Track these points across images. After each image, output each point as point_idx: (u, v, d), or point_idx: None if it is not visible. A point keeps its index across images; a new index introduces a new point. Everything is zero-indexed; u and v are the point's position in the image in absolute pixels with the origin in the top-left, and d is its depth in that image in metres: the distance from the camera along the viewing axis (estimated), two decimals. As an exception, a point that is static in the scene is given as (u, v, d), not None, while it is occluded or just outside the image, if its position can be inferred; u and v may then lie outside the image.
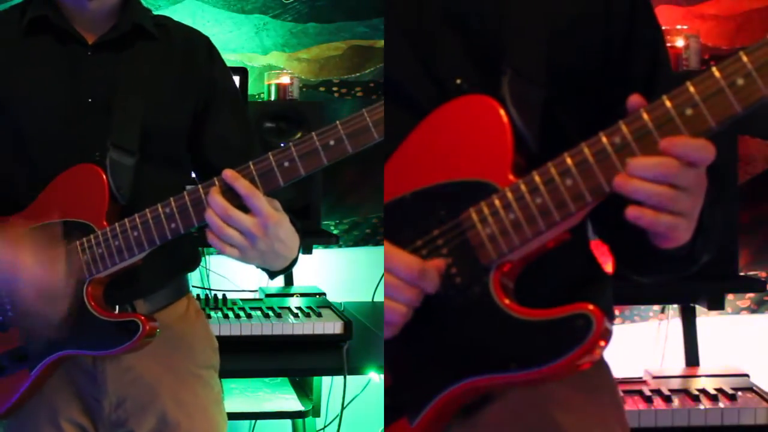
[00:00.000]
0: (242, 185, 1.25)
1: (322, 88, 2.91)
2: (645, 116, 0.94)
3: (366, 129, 1.22)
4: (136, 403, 1.50)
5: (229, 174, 1.26)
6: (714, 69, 0.91)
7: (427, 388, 1.03)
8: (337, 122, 1.23)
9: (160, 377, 1.52)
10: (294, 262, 1.43)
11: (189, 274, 1.65)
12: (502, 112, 1.03)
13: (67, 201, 1.41)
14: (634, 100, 0.95)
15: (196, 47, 1.58)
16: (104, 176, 1.40)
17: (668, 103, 0.93)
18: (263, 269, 1.45)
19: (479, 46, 1.12)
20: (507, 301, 1.00)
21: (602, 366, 1.24)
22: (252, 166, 1.26)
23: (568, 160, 0.97)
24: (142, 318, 1.37)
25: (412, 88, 1.13)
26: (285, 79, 2.71)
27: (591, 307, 0.96)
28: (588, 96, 1.15)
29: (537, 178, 0.99)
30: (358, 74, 2.92)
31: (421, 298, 1.02)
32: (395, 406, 1.04)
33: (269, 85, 2.71)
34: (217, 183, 1.28)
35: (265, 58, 2.87)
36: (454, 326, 1.02)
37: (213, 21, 2.71)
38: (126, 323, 1.38)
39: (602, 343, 0.96)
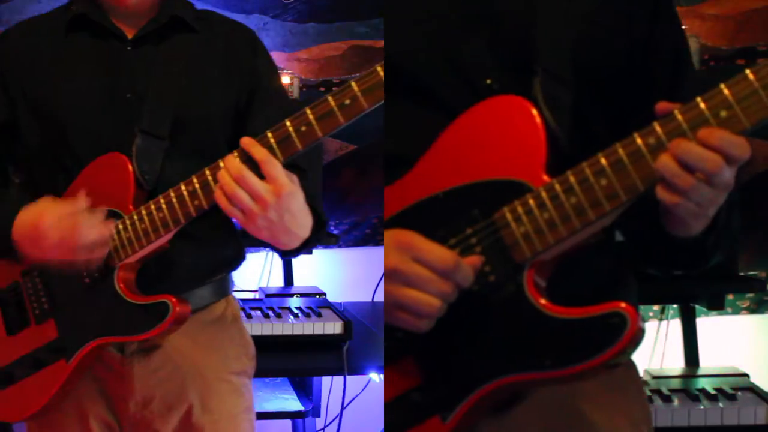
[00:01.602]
0: (259, 151, 1.24)
1: (322, 88, 2.91)
2: (679, 117, 0.95)
3: (380, 84, 1.20)
4: (163, 404, 1.49)
5: (246, 141, 1.25)
6: (748, 71, 0.93)
7: (461, 386, 1.03)
8: (351, 81, 1.21)
9: (189, 380, 1.50)
10: (305, 245, 1.39)
11: (230, 275, 1.62)
12: (534, 112, 1.05)
13: (95, 190, 1.41)
14: (662, 106, 0.97)
15: (240, 41, 1.57)
16: (129, 163, 1.40)
17: (702, 105, 0.94)
18: (272, 248, 1.42)
19: (508, 46, 1.13)
20: (542, 301, 1.01)
21: (630, 364, 1.26)
22: (269, 134, 1.25)
23: (603, 160, 0.99)
24: (173, 299, 1.36)
25: (439, 89, 1.13)
26: (285, 79, 2.71)
27: (624, 305, 0.97)
28: (613, 93, 1.16)
29: (572, 178, 1.00)
30: (358, 74, 2.92)
31: (456, 293, 1.02)
32: (427, 404, 1.05)
33: (269, 85, 2.70)
34: (235, 153, 1.27)
35: (265, 58, 2.87)
36: (488, 324, 1.03)
37: (213, 21, 2.71)
38: (156, 305, 1.36)
39: (635, 342, 0.97)
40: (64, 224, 1.34)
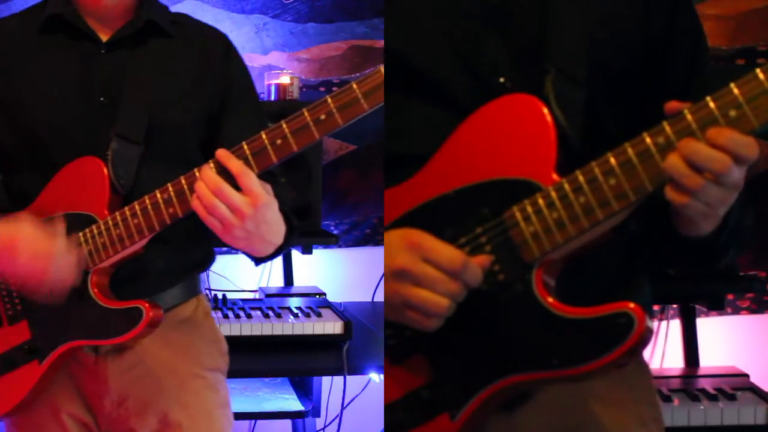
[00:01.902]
0: (234, 164, 1.26)
1: (322, 88, 2.91)
2: (689, 117, 0.96)
3: (356, 101, 1.22)
4: (138, 402, 1.50)
5: (222, 153, 1.27)
6: (758, 71, 0.93)
7: (470, 384, 1.04)
8: (327, 96, 1.23)
9: (164, 377, 1.51)
10: (278, 251, 1.42)
11: (201, 275, 1.63)
12: (545, 111, 1.05)
13: (69, 194, 1.42)
14: (671, 106, 0.97)
15: (213, 46, 1.57)
16: (104, 167, 1.41)
17: (712, 104, 0.95)
18: (246, 255, 1.44)
19: (521, 45, 1.13)
20: (550, 300, 1.02)
21: (640, 364, 1.26)
22: (245, 146, 1.27)
23: (612, 160, 0.99)
24: (146, 305, 1.38)
25: (451, 87, 1.13)
26: (285, 79, 2.71)
27: (632, 305, 0.98)
28: (628, 92, 1.16)
29: (581, 177, 1.00)
30: (358, 74, 2.92)
31: (465, 293, 1.02)
32: (436, 402, 1.05)
33: (269, 85, 2.71)
34: (211, 163, 1.28)
35: (265, 58, 2.87)
36: (497, 323, 1.04)
37: (213, 21, 2.70)
38: (129, 310, 1.38)
39: (643, 342, 0.97)
40: (37, 246, 1.35)
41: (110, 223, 1.38)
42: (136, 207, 1.36)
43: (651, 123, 0.98)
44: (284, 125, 1.25)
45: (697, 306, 2.50)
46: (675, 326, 2.64)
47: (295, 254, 2.72)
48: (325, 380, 2.57)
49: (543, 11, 1.13)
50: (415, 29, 1.16)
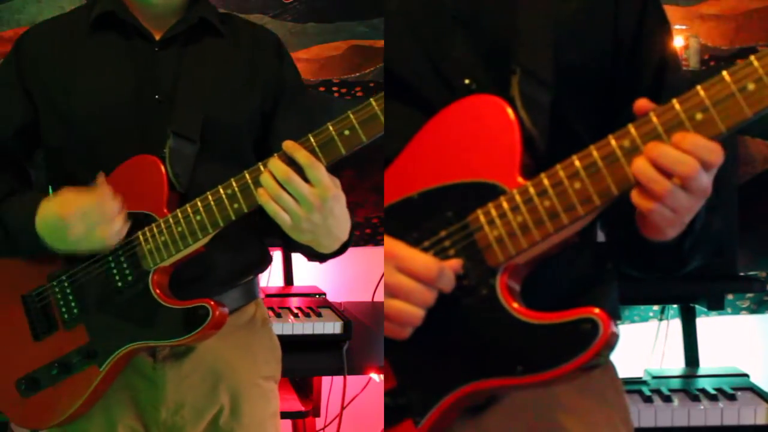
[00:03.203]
0: (303, 155, 1.23)
1: (322, 88, 2.91)
2: (654, 119, 0.94)
3: None
4: (194, 409, 1.48)
5: (290, 144, 1.24)
6: (724, 73, 0.91)
7: (433, 390, 1.02)
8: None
9: (220, 383, 1.49)
10: (343, 248, 1.39)
11: (257, 278, 1.60)
12: (510, 112, 1.03)
13: (127, 193, 1.39)
14: (640, 104, 0.95)
15: (264, 45, 1.56)
16: (162, 165, 1.39)
17: (678, 107, 0.93)
18: (308, 253, 1.42)
19: (488, 45, 1.12)
20: (515, 305, 1.00)
21: (607, 367, 1.24)
22: (312, 138, 1.24)
23: (577, 163, 0.97)
24: (212, 303, 1.34)
25: (421, 88, 1.12)
26: (285, 79, 2.70)
27: (597, 311, 0.96)
28: (597, 94, 1.15)
29: (545, 181, 0.99)
30: (358, 74, 2.92)
31: (435, 299, 1.01)
32: (400, 407, 1.04)
33: (269, 85, 2.70)
34: (277, 155, 1.26)
35: (265, 58, 2.87)
36: (461, 328, 1.02)
37: (213, 21, 2.71)
38: (195, 309, 1.35)
39: (608, 347, 0.96)
40: (88, 218, 1.33)
41: (171, 221, 1.36)
42: (198, 203, 1.33)
43: (620, 125, 0.96)
44: (351, 115, 1.22)
45: (697, 306, 2.50)
46: (675, 326, 2.64)
47: (296, 254, 2.71)
48: (325, 380, 2.57)
49: (510, 12, 1.11)
50: (393, 31, 1.15)
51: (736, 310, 2.86)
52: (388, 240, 1.04)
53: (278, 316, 2.29)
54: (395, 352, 1.05)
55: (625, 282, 1.24)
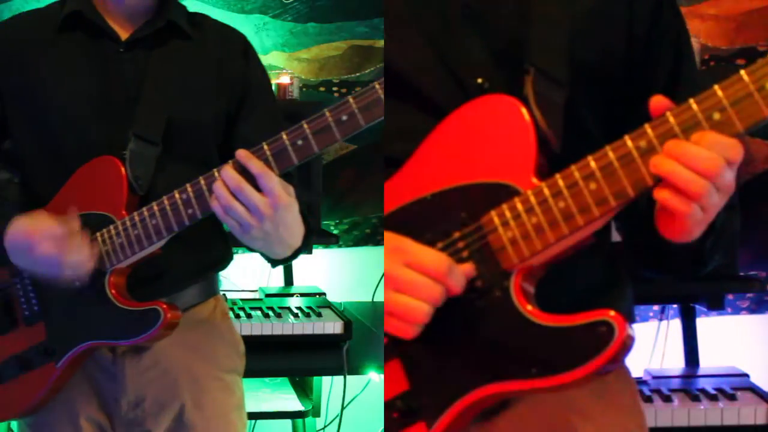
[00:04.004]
0: (255, 164, 1.24)
1: (322, 88, 2.91)
2: (671, 120, 0.93)
3: (378, 101, 1.20)
4: (155, 403, 1.49)
5: (242, 154, 1.25)
6: (742, 72, 0.90)
7: (446, 393, 1.01)
8: (349, 97, 1.22)
9: (181, 378, 1.51)
10: (296, 253, 1.42)
11: (218, 274, 1.62)
12: (524, 112, 1.02)
13: (87, 193, 1.41)
14: (656, 101, 0.94)
15: (232, 46, 1.56)
16: (122, 167, 1.40)
17: (695, 107, 0.92)
18: (263, 256, 1.44)
19: (501, 45, 1.11)
20: (529, 307, 0.99)
21: (622, 370, 1.24)
22: (266, 147, 1.26)
23: (592, 164, 0.96)
24: (164, 306, 1.36)
25: (429, 87, 1.12)
26: (285, 79, 2.71)
27: (613, 313, 0.95)
28: (611, 93, 1.14)
29: (560, 182, 0.97)
30: (358, 74, 2.92)
31: (444, 299, 1.00)
32: (413, 410, 1.03)
33: (269, 85, 2.70)
34: (230, 163, 1.27)
35: (265, 58, 2.87)
36: (475, 331, 1.01)
37: (213, 21, 2.71)
38: (147, 311, 1.37)
39: (624, 350, 0.95)
40: (51, 242, 1.34)
41: (128, 223, 1.37)
42: (155, 207, 1.35)
43: (634, 124, 0.95)
44: (305, 126, 1.24)
45: (697, 306, 2.50)
46: (675, 326, 2.64)
47: (295, 254, 2.71)
48: (325, 380, 2.57)
49: (524, 10, 1.10)
50: (395, 29, 1.14)
51: (736, 310, 2.86)
52: (392, 236, 1.03)
53: (278, 316, 2.29)
54: (409, 354, 1.04)
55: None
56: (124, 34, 1.49)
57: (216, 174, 1.29)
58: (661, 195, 0.93)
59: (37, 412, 1.47)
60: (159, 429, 1.50)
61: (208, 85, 1.51)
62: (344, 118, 1.22)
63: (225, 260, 1.61)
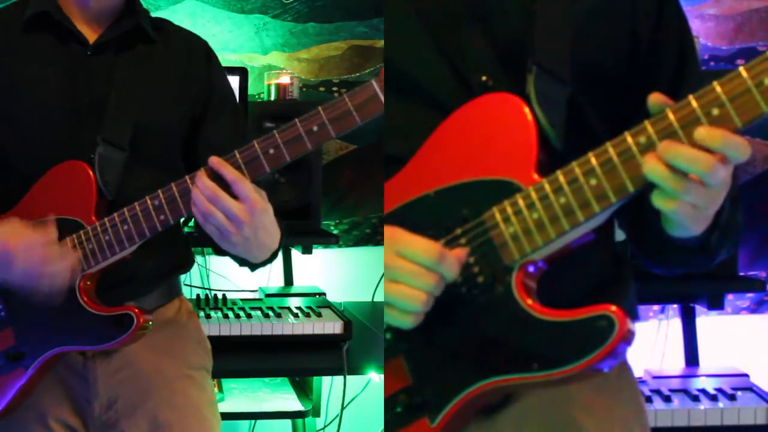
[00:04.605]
0: (229, 171, 1.26)
1: (322, 88, 2.91)
2: (671, 116, 0.93)
3: (348, 113, 1.23)
4: (127, 405, 1.50)
5: (215, 161, 1.27)
6: (741, 69, 0.91)
7: (448, 388, 1.03)
8: (319, 108, 1.25)
9: (152, 378, 1.52)
10: (273, 256, 1.43)
11: (181, 276, 1.65)
12: (526, 110, 1.03)
13: (55, 198, 1.41)
14: (654, 98, 0.95)
15: (194, 51, 1.58)
16: (91, 172, 1.40)
17: (694, 103, 0.92)
18: (242, 261, 1.45)
19: (505, 43, 1.12)
20: (529, 301, 1.00)
21: (623, 368, 1.24)
22: (237, 155, 1.28)
23: (593, 160, 0.97)
24: (136, 311, 1.38)
25: (433, 85, 1.12)
26: (285, 79, 2.71)
27: (614, 308, 0.96)
28: (614, 91, 1.15)
29: (561, 178, 0.99)
30: (358, 74, 2.92)
31: (442, 286, 1.01)
32: (415, 405, 1.04)
33: (269, 85, 2.70)
34: (203, 170, 1.29)
35: (264, 58, 2.87)
36: (477, 325, 1.02)
37: (213, 21, 2.71)
38: (120, 317, 1.38)
39: (624, 345, 0.96)
40: (33, 253, 1.34)
41: (99, 229, 1.38)
42: (126, 213, 1.36)
43: (637, 120, 0.96)
44: (276, 135, 1.26)
45: (697, 306, 2.50)
46: (675, 326, 2.64)
47: (295, 254, 2.71)
48: (325, 380, 2.56)
49: (527, 8, 1.11)
50: (398, 28, 1.15)
51: (736, 310, 2.86)
52: (388, 228, 1.04)
53: (278, 316, 2.29)
54: (411, 349, 1.05)
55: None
56: (91, 36, 1.49)
57: (188, 181, 1.30)
58: (652, 194, 0.94)
59: (5, 416, 1.46)
60: (134, 430, 1.50)
61: (174, 89, 1.52)
62: (315, 128, 1.24)
63: (187, 263, 1.63)
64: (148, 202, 1.34)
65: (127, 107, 1.46)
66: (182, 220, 1.41)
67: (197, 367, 1.59)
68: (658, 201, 0.94)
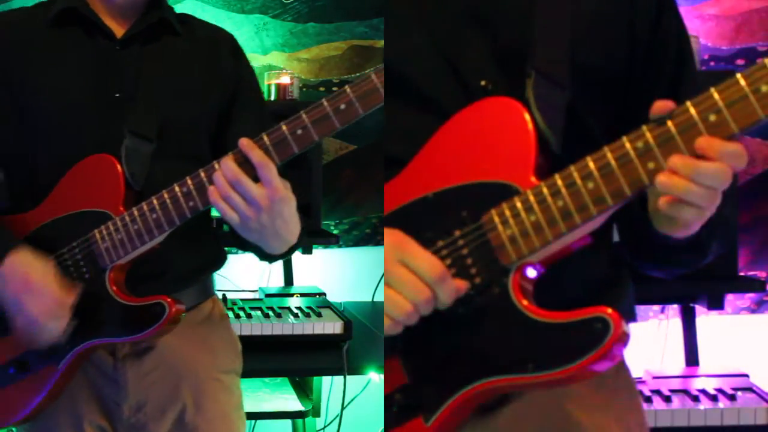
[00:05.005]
0: (256, 155, 1.26)
1: (322, 88, 2.91)
2: (668, 122, 0.95)
3: (375, 90, 1.23)
4: (156, 407, 1.49)
5: (245, 143, 1.27)
6: (738, 76, 0.92)
7: (444, 388, 1.03)
8: (346, 86, 1.25)
9: (181, 381, 1.51)
10: (291, 250, 1.42)
11: (214, 275, 1.63)
12: (526, 115, 1.04)
13: (83, 191, 1.41)
14: (659, 105, 0.96)
15: (221, 44, 1.58)
16: (118, 164, 1.40)
17: (692, 110, 0.94)
18: (258, 253, 1.45)
19: (504, 48, 1.12)
20: (525, 303, 1.01)
21: (621, 368, 1.25)
22: (265, 137, 1.27)
23: (591, 164, 0.98)
24: (169, 300, 1.36)
25: (435, 90, 1.13)
26: (285, 79, 2.71)
27: (609, 310, 0.97)
28: (612, 95, 1.16)
29: (559, 181, 1.00)
30: (358, 74, 2.92)
31: (430, 308, 1.01)
32: (411, 405, 1.05)
33: (269, 85, 2.71)
34: (231, 154, 1.29)
35: (265, 58, 2.87)
36: (473, 326, 1.03)
37: (213, 21, 2.71)
38: (151, 306, 1.37)
39: (620, 347, 0.97)
40: (46, 306, 1.35)
41: (127, 219, 1.37)
42: (155, 202, 1.35)
43: (635, 124, 0.97)
44: (304, 115, 1.26)
45: (697, 306, 2.50)
46: (675, 326, 2.64)
47: (295, 254, 2.71)
48: (325, 380, 2.57)
49: (527, 13, 1.12)
50: (401, 32, 1.15)
51: (737, 310, 2.86)
52: (396, 233, 1.04)
53: (278, 316, 2.29)
54: (407, 349, 1.05)
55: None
56: (118, 31, 1.50)
57: (216, 165, 1.30)
58: (671, 208, 0.96)
59: (36, 417, 1.45)
60: (160, 431, 1.50)
61: (200, 81, 1.52)
62: (342, 106, 1.24)
63: (220, 260, 1.61)
64: (177, 189, 1.34)
65: (154, 99, 1.46)
66: (213, 217, 1.40)
67: (227, 370, 1.58)
68: (670, 209, 0.96)
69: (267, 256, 1.46)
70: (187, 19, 1.59)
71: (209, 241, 1.57)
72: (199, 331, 1.54)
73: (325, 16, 2.91)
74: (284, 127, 1.27)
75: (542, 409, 1.15)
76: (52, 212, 1.43)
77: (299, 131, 1.26)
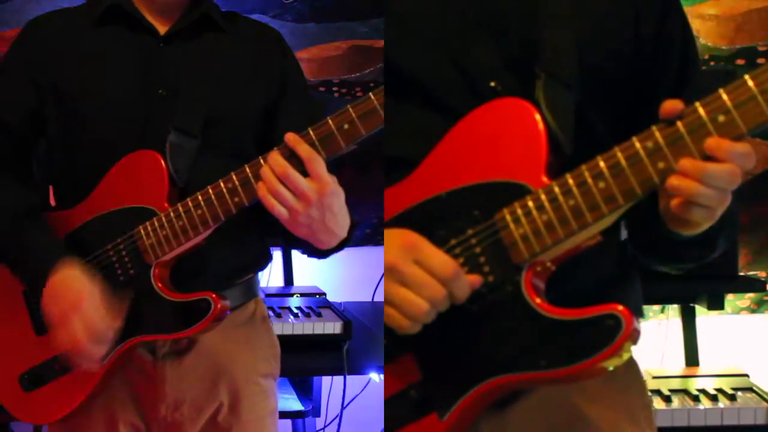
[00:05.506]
0: (304, 149, 1.24)
1: (322, 88, 2.91)
2: (678, 122, 0.96)
3: None
4: (193, 406, 1.49)
5: (291, 137, 1.26)
6: (747, 77, 0.93)
7: (458, 384, 1.04)
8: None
9: (220, 380, 1.50)
10: (342, 245, 1.40)
11: (257, 276, 1.62)
12: (537, 116, 1.05)
13: (128, 187, 1.41)
14: (669, 106, 0.97)
15: (266, 41, 1.58)
16: (162, 160, 1.40)
17: (701, 110, 0.95)
18: (306, 249, 1.43)
19: (513, 49, 1.13)
20: (538, 300, 1.02)
21: (632, 365, 1.26)
22: (311, 132, 1.26)
23: (602, 164, 0.99)
24: (214, 296, 1.35)
25: (444, 91, 1.13)
26: (285, 79, 2.70)
27: (621, 307, 0.98)
28: (620, 95, 1.17)
29: (570, 180, 1.01)
30: (358, 74, 2.92)
31: (446, 304, 1.02)
32: (425, 401, 1.06)
33: (269, 85, 2.70)
34: (276, 149, 1.27)
35: (265, 58, 2.87)
36: (487, 324, 1.04)
37: (213, 21, 2.71)
38: (197, 302, 1.36)
39: (631, 344, 0.98)
40: (87, 329, 1.33)
41: (172, 215, 1.36)
42: (199, 198, 1.34)
43: (643, 126, 0.99)
44: (350, 110, 1.24)
45: (697, 306, 2.50)
46: (675, 326, 2.64)
47: (295, 254, 2.72)
48: (325, 380, 2.57)
49: (534, 15, 1.13)
50: (406, 33, 1.15)
51: (736, 310, 2.86)
52: (407, 232, 1.05)
53: (278, 316, 2.29)
54: (421, 346, 1.06)
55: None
56: (161, 28, 1.50)
57: (262, 161, 1.28)
58: (683, 209, 0.97)
59: (75, 417, 1.44)
60: (195, 430, 1.49)
61: (245, 77, 1.52)
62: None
63: (263, 260, 1.60)
64: (222, 185, 1.32)
65: (198, 95, 1.46)
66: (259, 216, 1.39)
67: (265, 374, 1.56)
68: (681, 210, 0.97)
69: (316, 252, 1.43)
70: (233, 16, 1.58)
71: (253, 239, 1.56)
72: (241, 331, 1.53)
73: (325, 16, 2.91)
74: (330, 122, 1.25)
75: (553, 404, 1.16)
76: (96, 209, 1.43)
77: (346, 126, 1.25)
